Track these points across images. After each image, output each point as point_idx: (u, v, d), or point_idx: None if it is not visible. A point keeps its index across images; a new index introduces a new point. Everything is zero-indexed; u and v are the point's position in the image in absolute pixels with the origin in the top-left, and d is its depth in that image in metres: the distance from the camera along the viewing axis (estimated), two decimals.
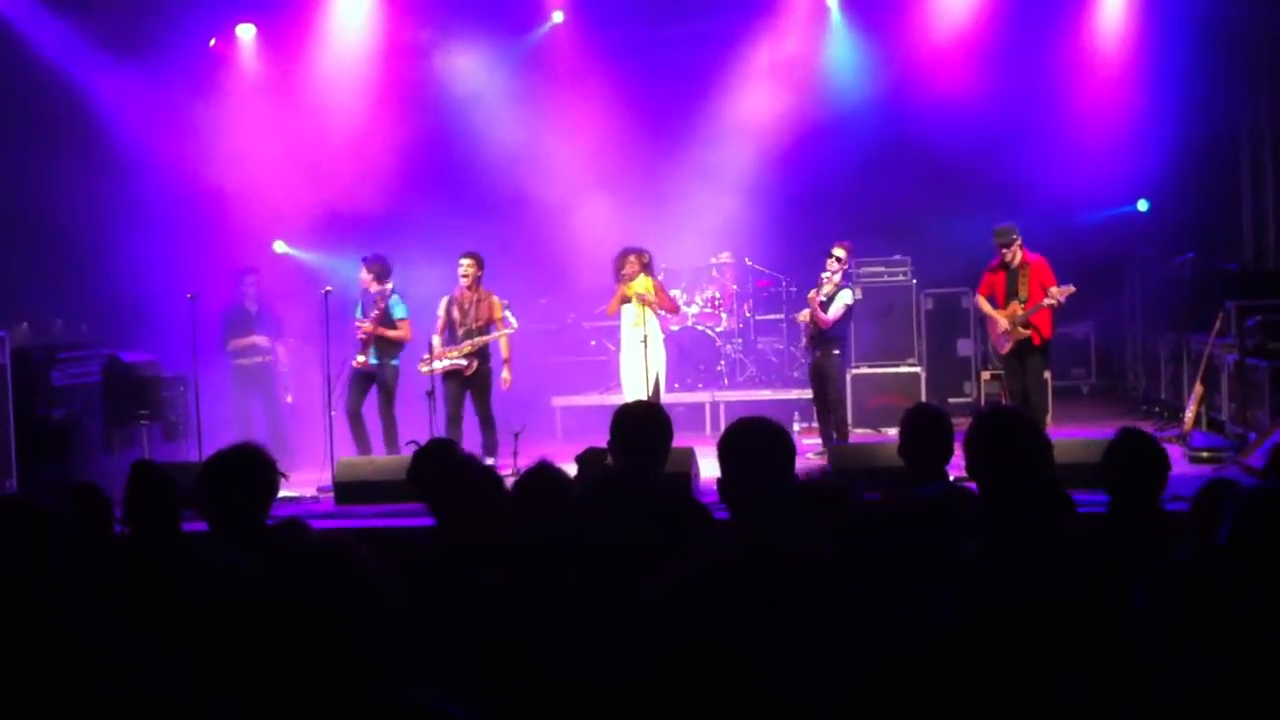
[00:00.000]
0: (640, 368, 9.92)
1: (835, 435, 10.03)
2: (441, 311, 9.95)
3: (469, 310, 9.85)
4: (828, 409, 10.12)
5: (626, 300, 10.10)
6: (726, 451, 3.25)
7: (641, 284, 10.07)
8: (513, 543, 3.60)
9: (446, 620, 3.21)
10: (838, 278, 10.07)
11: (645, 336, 9.88)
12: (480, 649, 3.08)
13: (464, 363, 9.78)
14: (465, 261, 9.85)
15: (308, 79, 12.61)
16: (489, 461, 9.67)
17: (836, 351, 10.17)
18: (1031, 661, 2.50)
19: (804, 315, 10.30)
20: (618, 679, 2.57)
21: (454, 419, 9.85)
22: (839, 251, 10.14)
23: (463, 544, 3.78)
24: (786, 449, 3.16)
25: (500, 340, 9.90)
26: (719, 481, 3.34)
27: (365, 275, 10.27)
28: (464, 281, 9.87)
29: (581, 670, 2.73)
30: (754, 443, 3.18)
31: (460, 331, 9.83)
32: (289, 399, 11.15)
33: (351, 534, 4.04)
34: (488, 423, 9.86)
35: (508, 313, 9.95)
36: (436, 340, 9.90)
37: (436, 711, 2.33)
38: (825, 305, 9.99)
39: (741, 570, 2.84)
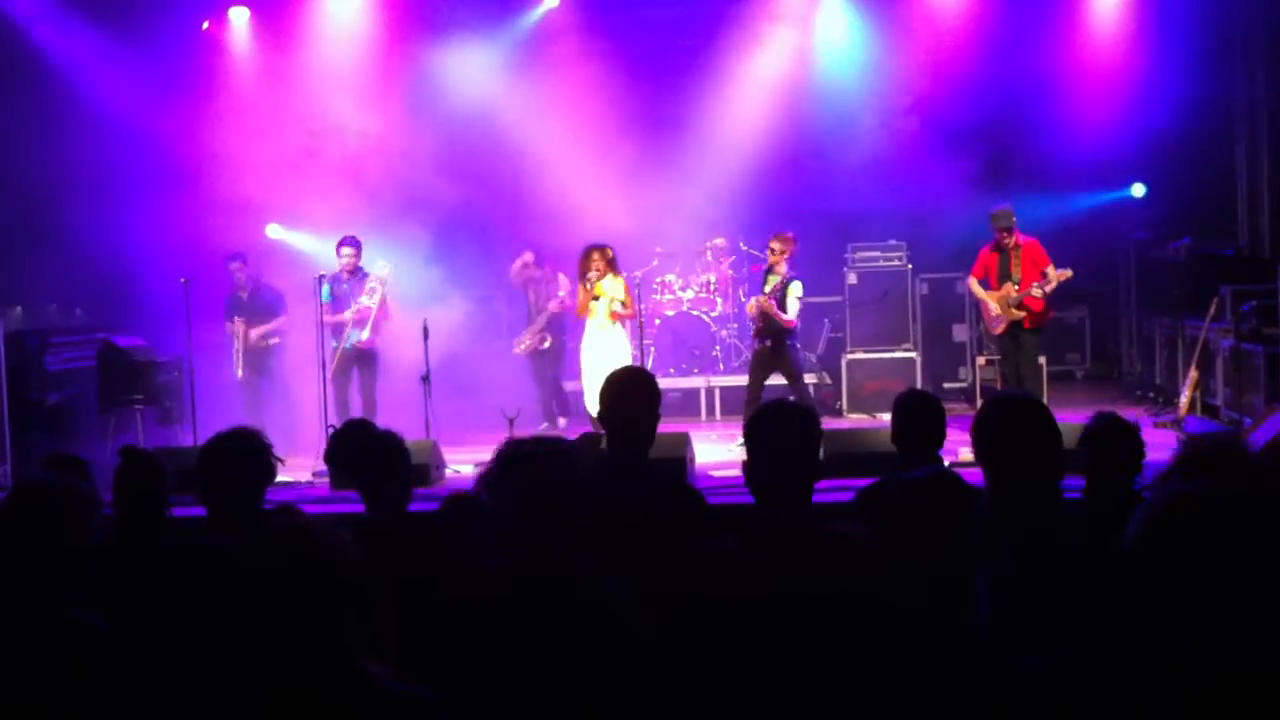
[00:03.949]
0: (597, 374, 9.68)
1: None
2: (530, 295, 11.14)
3: (542, 291, 11.07)
4: (758, 399, 9.70)
5: (594, 298, 10.04)
6: (751, 433, 3.24)
7: (610, 285, 10.00)
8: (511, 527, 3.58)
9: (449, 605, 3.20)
10: (782, 268, 9.69)
11: (604, 346, 9.89)
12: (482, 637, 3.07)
13: (540, 339, 10.98)
14: (527, 255, 11.09)
15: (301, 63, 12.55)
16: (560, 422, 10.95)
17: (790, 342, 9.75)
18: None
19: (753, 305, 9.90)
20: (635, 669, 2.56)
21: (542, 386, 11.09)
22: (776, 244, 9.79)
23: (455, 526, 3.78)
24: (812, 428, 3.15)
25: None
26: (743, 464, 3.33)
27: (351, 255, 10.26)
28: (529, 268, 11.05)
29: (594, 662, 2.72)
30: (779, 423, 3.17)
31: (534, 311, 11.09)
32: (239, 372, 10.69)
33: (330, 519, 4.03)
34: (557, 389, 11.07)
35: (563, 292, 10.90)
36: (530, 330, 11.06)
37: (401, 694, 2.33)
38: (780, 302, 9.57)
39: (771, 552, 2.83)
